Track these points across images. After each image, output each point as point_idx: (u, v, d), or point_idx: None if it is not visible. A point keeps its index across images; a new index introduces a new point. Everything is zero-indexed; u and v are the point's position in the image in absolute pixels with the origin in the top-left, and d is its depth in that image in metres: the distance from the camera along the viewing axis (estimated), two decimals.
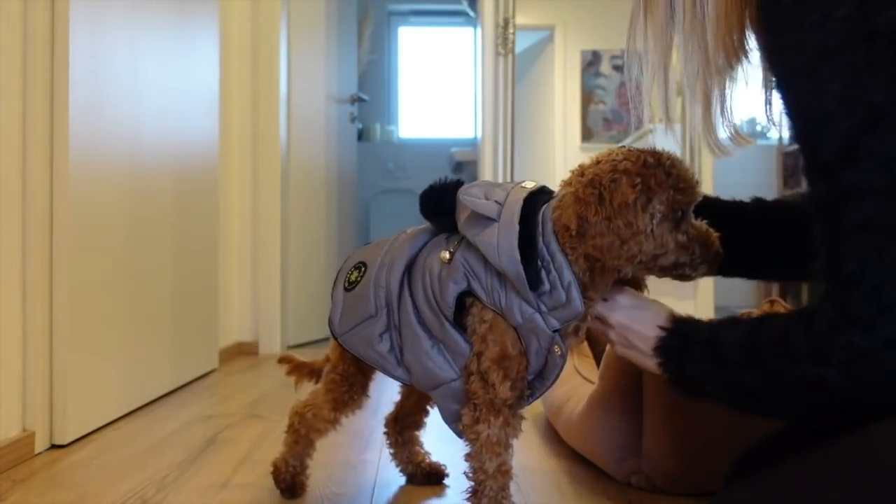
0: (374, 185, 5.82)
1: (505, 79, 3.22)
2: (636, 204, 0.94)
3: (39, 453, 1.63)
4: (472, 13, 5.18)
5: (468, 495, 1.07)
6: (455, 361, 1.09)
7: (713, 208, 1.11)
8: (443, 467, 1.39)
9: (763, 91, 0.93)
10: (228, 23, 3.03)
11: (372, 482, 1.41)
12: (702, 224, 1.00)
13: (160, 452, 1.63)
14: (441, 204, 1.10)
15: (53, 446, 1.68)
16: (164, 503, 1.30)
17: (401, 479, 1.41)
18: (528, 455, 1.61)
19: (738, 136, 0.95)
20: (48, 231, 1.68)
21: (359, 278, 1.17)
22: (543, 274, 0.99)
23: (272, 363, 2.29)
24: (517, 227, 0.99)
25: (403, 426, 1.39)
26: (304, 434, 1.28)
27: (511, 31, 3.22)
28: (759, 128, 5.47)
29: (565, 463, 1.54)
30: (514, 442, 1.08)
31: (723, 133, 0.95)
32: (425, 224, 1.17)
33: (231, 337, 3.09)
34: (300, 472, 1.31)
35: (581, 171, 1.00)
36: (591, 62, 5.30)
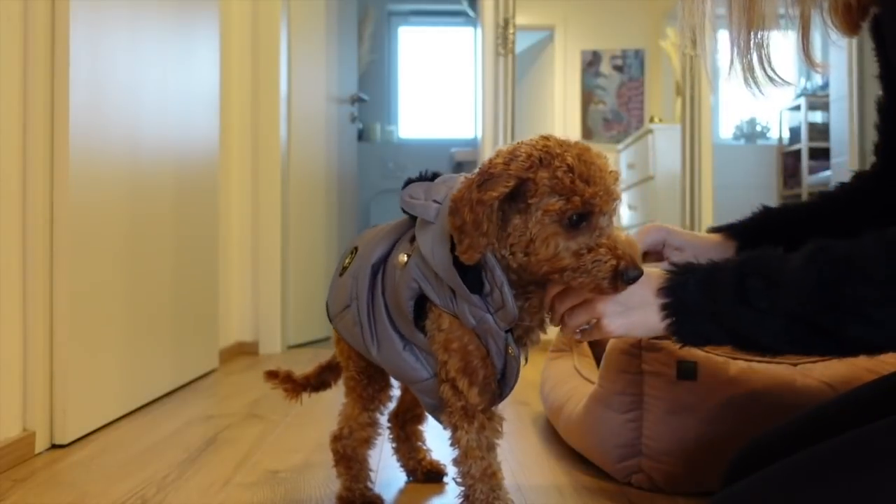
0: (374, 186, 5.82)
1: (505, 79, 3.23)
2: (492, 206, 0.89)
3: (39, 453, 1.63)
4: (472, 13, 5.18)
5: (460, 500, 1.06)
6: (428, 361, 1.08)
7: (790, 220, 1.08)
8: (442, 466, 1.39)
9: (799, 38, 0.95)
10: (228, 23, 3.03)
11: (372, 482, 1.40)
12: (619, 235, 0.90)
13: (160, 452, 1.63)
14: None
15: (53, 446, 1.68)
16: (164, 503, 1.30)
17: (401, 480, 1.41)
18: (527, 455, 1.61)
19: (777, 75, 0.96)
20: (48, 231, 1.68)
21: (350, 264, 1.16)
22: (484, 275, 0.96)
23: (272, 363, 2.29)
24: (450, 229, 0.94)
25: (405, 420, 1.39)
26: (350, 454, 1.23)
27: (511, 31, 3.22)
28: (759, 128, 5.48)
29: (565, 463, 1.54)
30: (500, 442, 1.07)
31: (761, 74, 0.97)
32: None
33: (231, 337, 3.09)
34: (367, 490, 1.25)
35: (497, 154, 0.94)
36: (591, 62, 5.30)
